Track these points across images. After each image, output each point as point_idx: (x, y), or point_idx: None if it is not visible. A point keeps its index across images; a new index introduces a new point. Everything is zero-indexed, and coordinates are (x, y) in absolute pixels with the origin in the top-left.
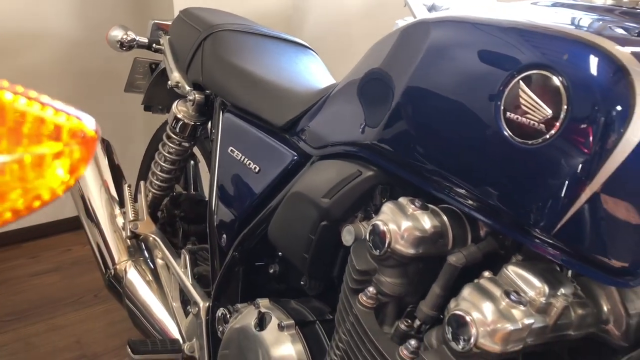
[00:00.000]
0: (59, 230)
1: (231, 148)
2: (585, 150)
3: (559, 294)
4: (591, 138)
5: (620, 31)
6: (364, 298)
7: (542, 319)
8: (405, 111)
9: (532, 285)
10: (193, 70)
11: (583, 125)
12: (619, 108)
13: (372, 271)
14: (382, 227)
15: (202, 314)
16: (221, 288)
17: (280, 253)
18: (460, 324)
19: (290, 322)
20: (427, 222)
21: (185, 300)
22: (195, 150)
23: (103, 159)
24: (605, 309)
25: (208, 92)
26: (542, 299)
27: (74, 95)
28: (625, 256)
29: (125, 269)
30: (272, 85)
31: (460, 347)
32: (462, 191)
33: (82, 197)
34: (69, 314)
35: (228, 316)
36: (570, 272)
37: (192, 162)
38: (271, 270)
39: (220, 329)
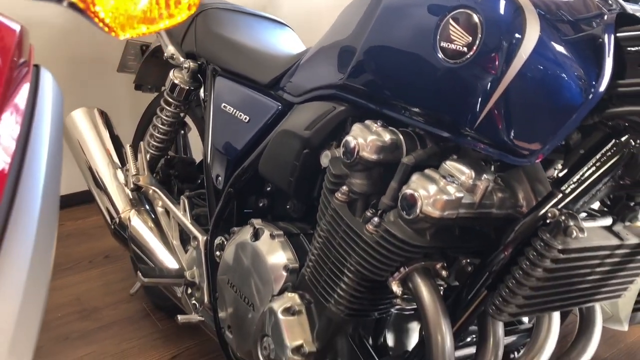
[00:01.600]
0: None
1: (224, 104)
2: (493, 64)
3: (482, 178)
4: (497, 55)
5: None
6: (339, 195)
7: (470, 196)
8: (368, 54)
9: (462, 172)
10: (187, 42)
11: (492, 47)
12: (516, 35)
13: (345, 176)
14: (352, 141)
15: (202, 246)
16: (218, 221)
17: (268, 188)
18: (409, 200)
19: (280, 232)
20: (386, 136)
21: (184, 240)
22: (187, 119)
23: (104, 131)
24: (520, 196)
25: (200, 61)
26: (470, 181)
27: (67, 81)
28: (526, 142)
29: (129, 217)
30: (257, 51)
31: (410, 215)
32: (414, 109)
33: (90, 168)
34: (67, 277)
35: (225, 242)
36: (492, 167)
37: (182, 131)
38: (260, 204)
39: (218, 254)
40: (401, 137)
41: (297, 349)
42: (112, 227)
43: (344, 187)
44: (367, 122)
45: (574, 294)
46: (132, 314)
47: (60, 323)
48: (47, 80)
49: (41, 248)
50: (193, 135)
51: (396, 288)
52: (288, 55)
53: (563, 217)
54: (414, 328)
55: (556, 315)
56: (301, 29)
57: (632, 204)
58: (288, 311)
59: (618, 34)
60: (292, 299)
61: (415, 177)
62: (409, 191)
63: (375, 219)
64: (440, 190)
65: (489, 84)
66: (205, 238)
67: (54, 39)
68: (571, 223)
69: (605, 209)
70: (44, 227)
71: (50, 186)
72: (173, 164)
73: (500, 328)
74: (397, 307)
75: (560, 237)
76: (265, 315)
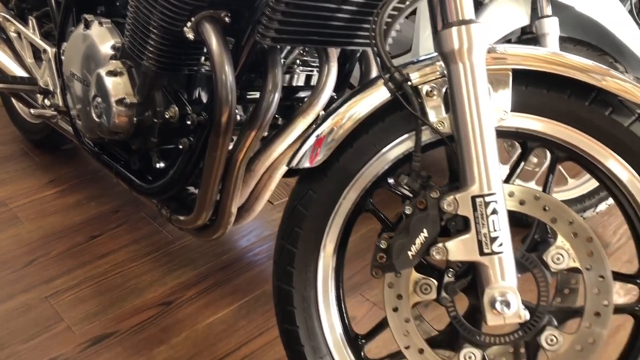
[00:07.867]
0: None
1: None
2: None
3: None
4: None
5: None
6: None
7: None
8: None
9: None
10: None
11: None
12: None
13: None
14: None
15: (51, 56)
16: (62, 30)
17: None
18: None
19: (108, 20)
20: None
21: (38, 58)
22: None
23: None
24: None
25: None
26: None
27: None
28: None
29: None
30: None
31: None
32: None
33: None
34: None
35: None
36: None
37: None
38: (98, 11)
39: (64, 57)
40: None
41: (121, 101)
42: None
43: None
44: None
45: (327, 30)
46: (9, 153)
47: None
48: None
49: None
50: None
51: (190, 35)
52: None
53: None
54: None
55: (333, 66)
56: None
57: None
58: (112, 73)
59: None
60: (116, 64)
61: None
62: None
63: None
64: None
65: None
66: (54, 50)
67: None
68: None
69: None
70: None
71: None
72: None
73: (277, 60)
74: (206, 69)
75: None
76: (94, 81)
